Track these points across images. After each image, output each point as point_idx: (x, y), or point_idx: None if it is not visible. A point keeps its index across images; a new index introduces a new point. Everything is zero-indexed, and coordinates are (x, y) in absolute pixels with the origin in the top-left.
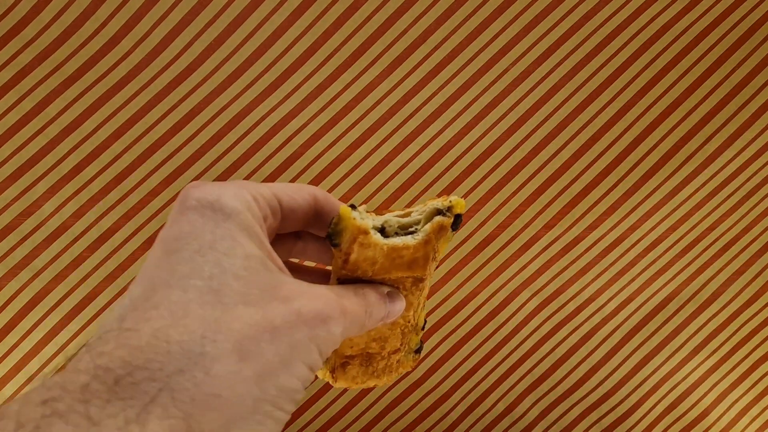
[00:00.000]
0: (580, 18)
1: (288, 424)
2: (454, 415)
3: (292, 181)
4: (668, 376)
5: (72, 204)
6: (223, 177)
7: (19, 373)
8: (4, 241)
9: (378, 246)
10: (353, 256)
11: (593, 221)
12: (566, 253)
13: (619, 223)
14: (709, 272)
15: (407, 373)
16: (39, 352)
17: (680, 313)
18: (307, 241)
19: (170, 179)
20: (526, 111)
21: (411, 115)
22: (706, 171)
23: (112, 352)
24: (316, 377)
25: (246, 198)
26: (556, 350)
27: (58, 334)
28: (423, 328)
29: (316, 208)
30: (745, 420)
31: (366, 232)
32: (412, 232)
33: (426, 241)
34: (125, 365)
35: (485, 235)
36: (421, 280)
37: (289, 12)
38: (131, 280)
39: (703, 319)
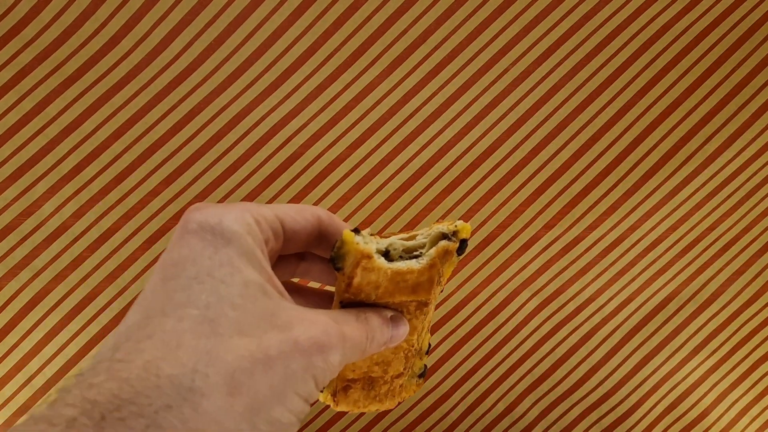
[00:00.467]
0: (580, 18)
1: None
2: (454, 415)
3: (292, 181)
4: (668, 376)
5: (72, 204)
6: (223, 177)
7: (19, 373)
8: (4, 241)
9: (382, 270)
10: (356, 280)
11: (593, 221)
12: (566, 253)
13: (619, 223)
14: (709, 272)
15: (409, 402)
16: (39, 352)
17: (680, 313)
18: (311, 262)
19: (170, 179)
20: (526, 111)
21: (411, 115)
22: (706, 171)
23: (101, 384)
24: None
25: (248, 221)
26: (556, 350)
27: (58, 334)
28: (427, 352)
29: (319, 229)
30: (745, 420)
31: (369, 257)
32: (416, 256)
33: (431, 266)
34: (114, 399)
35: (485, 235)
36: (426, 304)
37: (289, 12)
38: (131, 281)
39: (703, 319)
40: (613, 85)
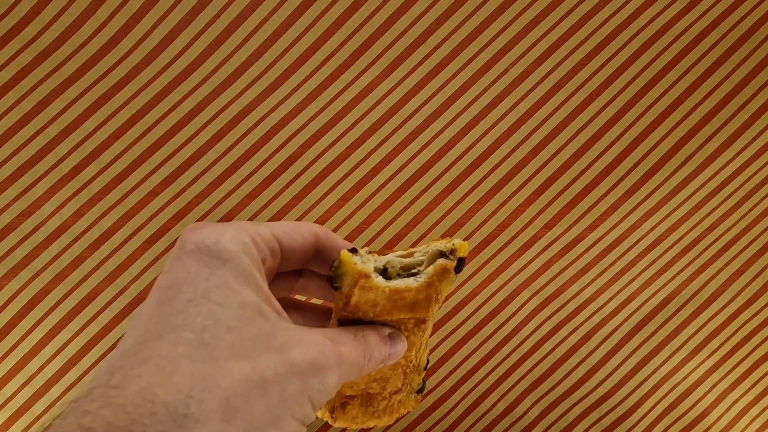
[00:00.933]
0: (580, 18)
1: None
2: (454, 415)
3: (292, 181)
4: (668, 376)
5: (72, 204)
6: (223, 177)
7: (19, 373)
8: (4, 241)
9: (380, 289)
10: (354, 299)
11: (593, 221)
12: (566, 253)
13: (619, 223)
14: (709, 272)
15: (407, 412)
16: (39, 352)
17: (680, 313)
18: (309, 278)
19: (170, 179)
20: (526, 111)
21: (411, 115)
22: (706, 171)
23: (96, 411)
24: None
25: (244, 240)
26: (556, 350)
27: (58, 334)
28: (425, 368)
29: (317, 247)
30: (745, 420)
31: (367, 276)
32: (414, 274)
33: (428, 284)
34: (108, 427)
35: (485, 235)
36: (424, 321)
37: (289, 12)
38: (131, 281)
39: (703, 319)
40: (613, 85)
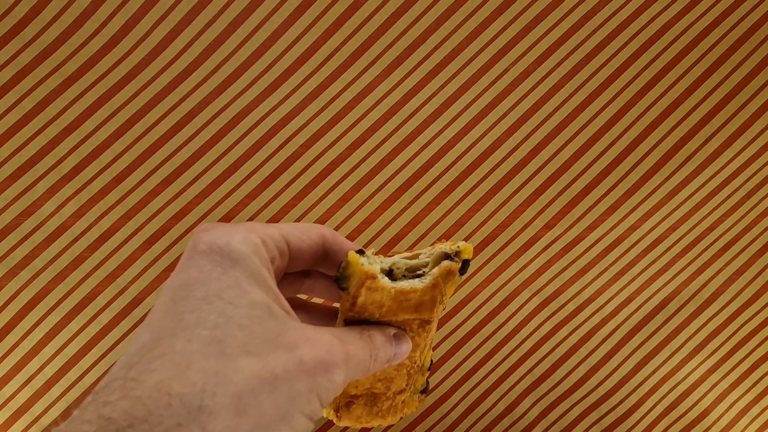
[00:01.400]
0: (580, 18)
1: None
2: (454, 415)
3: (292, 181)
4: (668, 376)
5: (72, 204)
6: (223, 177)
7: (19, 373)
8: (4, 241)
9: (385, 290)
10: (361, 300)
11: (593, 221)
12: (566, 253)
13: (619, 223)
14: (709, 272)
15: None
16: (39, 352)
17: (680, 313)
18: (316, 279)
19: (170, 179)
20: (526, 111)
21: (411, 115)
22: (706, 171)
23: (116, 402)
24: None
25: (254, 241)
26: (556, 350)
27: (58, 334)
28: (429, 369)
29: (324, 248)
30: (745, 420)
31: (374, 277)
32: (419, 275)
33: (433, 285)
34: (127, 417)
35: (485, 235)
36: (428, 322)
37: (289, 12)
38: (131, 281)
39: (703, 319)
40: (613, 85)
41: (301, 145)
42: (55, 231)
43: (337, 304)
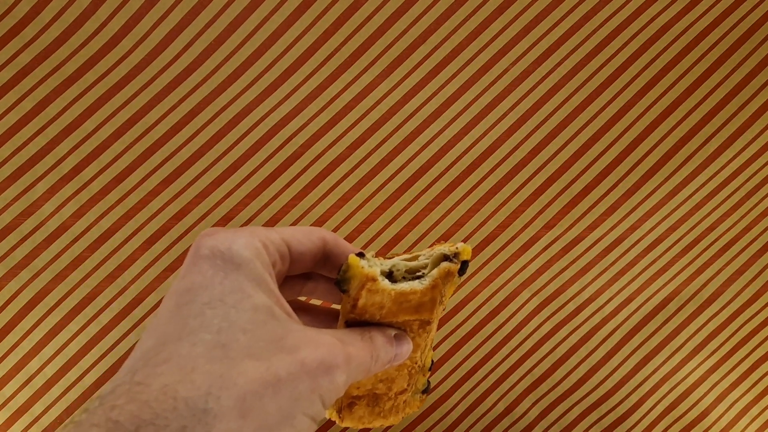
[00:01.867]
0: (580, 18)
1: None
2: (454, 415)
3: (292, 181)
4: (668, 376)
5: (72, 204)
6: (223, 177)
7: (19, 373)
8: (4, 241)
9: (386, 291)
10: (361, 302)
11: (593, 221)
12: (566, 253)
13: (619, 223)
14: (709, 272)
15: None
16: (39, 352)
17: (680, 313)
18: (317, 281)
19: (170, 179)
20: (526, 111)
21: (411, 115)
22: (706, 171)
23: (123, 406)
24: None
25: (256, 246)
26: (556, 350)
27: (58, 334)
28: (430, 369)
29: (325, 251)
30: (745, 420)
31: (374, 279)
32: (419, 277)
33: (433, 286)
34: (134, 420)
35: (485, 235)
36: (428, 322)
37: (289, 12)
38: (131, 281)
39: (703, 319)
40: (613, 85)
41: (301, 145)
42: (55, 231)
43: (338, 306)
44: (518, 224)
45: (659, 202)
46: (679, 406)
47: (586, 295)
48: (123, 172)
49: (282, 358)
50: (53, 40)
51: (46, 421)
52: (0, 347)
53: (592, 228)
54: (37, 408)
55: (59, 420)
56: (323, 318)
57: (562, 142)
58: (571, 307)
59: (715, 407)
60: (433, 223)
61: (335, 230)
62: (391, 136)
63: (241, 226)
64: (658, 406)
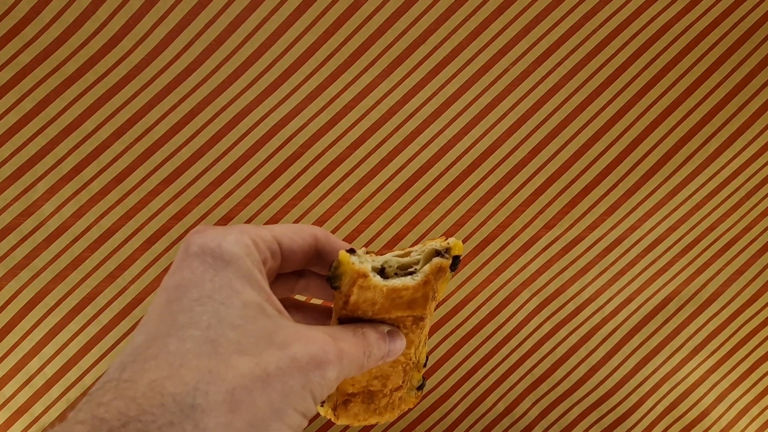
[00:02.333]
0: (580, 18)
1: None
2: (454, 415)
3: (292, 181)
4: (668, 376)
5: (72, 204)
6: (223, 177)
7: (19, 373)
8: (4, 241)
9: (378, 288)
10: (353, 298)
11: (593, 221)
12: (566, 253)
13: (619, 223)
14: (709, 272)
15: (409, 410)
16: (39, 352)
17: (680, 313)
18: (310, 279)
19: (170, 179)
20: (526, 111)
21: (411, 115)
22: (706, 171)
23: (109, 402)
24: (318, 414)
25: (246, 243)
26: (556, 350)
27: (58, 334)
28: (425, 365)
29: (317, 248)
30: (745, 420)
31: (365, 276)
32: (411, 273)
33: (425, 282)
34: (121, 416)
35: (485, 235)
36: (422, 318)
37: (289, 12)
38: (131, 281)
39: (703, 319)
40: (613, 85)
41: (301, 145)
42: (55, 231)
43: (331, 303)
44: (518, 224)
45: (659, 202)
46: (679, 406)
47: (586, 295)
48: (123, 172)
49: (272, 354)
50: (53, 40)
51: (46, 420)
52: (0, 347)
53: (592, 228)
54: (37, 408)
55: (59, 420)
56: (316, 315)
57: (562, 142)
58: (571, 307)
59: (715, 407)
60: (433, 223)
61: (335, 230)
62: (391, 136)
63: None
64: (658, 406)
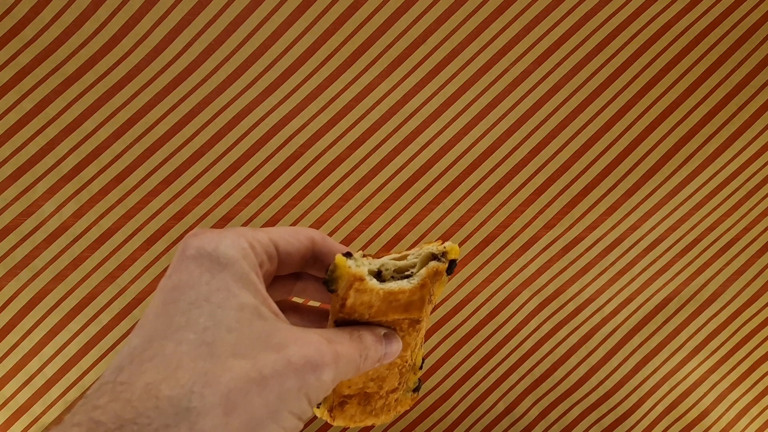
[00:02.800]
0: (580, 18)
1: None
2: (454, 415)
3: (292, 181)
4: (668, 376)
5: (72, 204)
6: (223, 177)
7: (19, 373)
8: (4, 241)
9: (374, 291)
10: (350, 301)
11: (593, 221)
12: (566, 253)
13: (619, 223)
14: (709, 272)
15: (406, 412)
16: (39, 352)
17: (680, 313)
18: (307, 281)
19: (170, 179)
20: (526, 111)
21: (411, 115)
22: (706, 171)
23: (105, 405)
24: (315, 416)
25: (242, 246)
26: (556, 350)
27: (58, 334)
28: (421, 368)
29: (314, 251)
30: (745, 420)
31: (361, 279)
32: (407, 276)
33: (422, 285)
34: (117, 419)
35: (485, 235)
36: (418, 321)
37: (289, 12)
38: (131, 281)
39: (703, 319)
40: (613, 85)
41: (301, 145)
42: (55, 231)
43: (328, 306)
44: (518, 224)
45: (659, 202)
46: (679, 406)
47: (586, 295)
48: (123, 172)
49: (268, 356)
50: (53, 40)
51: (46, 420)
52: (0, 347)
53: (592, 228)
54: (37, 408)
55: (56, 423)
56: (313, 318)
57: (562, 142)
58: (571, 307)
59: (715, 407)
60: (433, 223)
61: (335, 231)
62: (391, 136)
63: (242, 226)
64: (658, 406)
